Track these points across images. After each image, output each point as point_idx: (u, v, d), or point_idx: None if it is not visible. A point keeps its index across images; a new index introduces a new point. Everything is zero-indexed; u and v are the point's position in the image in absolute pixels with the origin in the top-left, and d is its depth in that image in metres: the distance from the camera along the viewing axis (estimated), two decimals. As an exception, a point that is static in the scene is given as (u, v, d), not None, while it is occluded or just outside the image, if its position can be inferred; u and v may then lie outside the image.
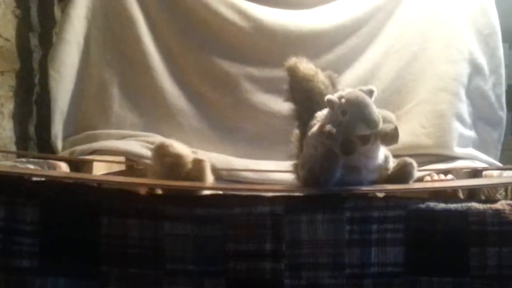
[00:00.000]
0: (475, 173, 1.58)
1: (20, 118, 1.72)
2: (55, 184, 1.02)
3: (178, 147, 1.15)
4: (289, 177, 1.24)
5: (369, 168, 1.05)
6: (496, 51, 1.82)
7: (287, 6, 1.86)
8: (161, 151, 1.14)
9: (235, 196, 1.00)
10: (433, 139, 1.74)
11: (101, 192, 1.01)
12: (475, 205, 0.96)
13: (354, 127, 1.00)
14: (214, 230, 0.95)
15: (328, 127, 1.01)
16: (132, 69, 1.80)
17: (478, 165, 1.68)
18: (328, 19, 1.84)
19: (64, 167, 1.43)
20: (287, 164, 1.23)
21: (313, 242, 0.94)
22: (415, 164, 1.09)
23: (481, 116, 1.82)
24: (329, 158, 1.01)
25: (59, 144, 1.72)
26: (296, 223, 0.95)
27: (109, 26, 1.80)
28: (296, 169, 1.17)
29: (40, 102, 1.81)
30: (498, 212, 0.95)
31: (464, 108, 1.77)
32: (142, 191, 1.08)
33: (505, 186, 1.35)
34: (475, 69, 1.79)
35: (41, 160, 1.35)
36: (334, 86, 1.17)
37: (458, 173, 1.59)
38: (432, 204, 0.96)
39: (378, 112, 1.01)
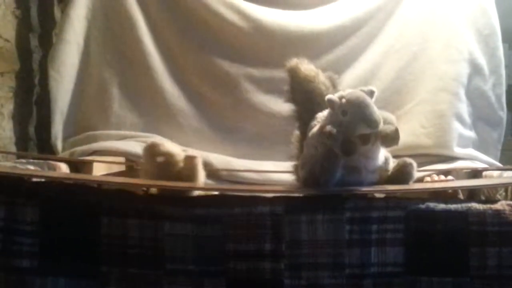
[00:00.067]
0: (475, 173, 1.57)
1: (20, 119, 1.72)
2: (55, 185, 1.02)
3: (169, 146, 1.15)
4: (289, 177, 1.24)
5: (369, 169, 1.05)
6: (496, 51, 1.82)
7: (287, 6, 1.87)
8: (152, 151, 1.14)
9: (235, 196, 1.00)
10: (433, 139, 1.74)
11: (101, 193, 1.01)
12: (475, 205, 0.96)
13: (354, 127, 1.00)
14: (214, 230, 0.95)
15: (329, 127, 1.01)
16: (132, 70, 1.80)
17: (478, 165, 1.68)
18: (328, 19, 1.84)
19: (64, 168, 1.43)
20: (287, 165, 1.23)
21: (313, 242, 0.94)
22: (414, 164, 1.09)
23: (481, 116, 1.82)
24: (329, 158, 1.01)
25: (59, 144, 1.72)
26: (296, 223, 0.95)
27: (109, 26, 1.80)
28: (296, 170, 1.17)
29: (40, 103, 1.81)
30: (498, 213, 0.95)
31: (464, 108, 1.77)
32: (138, 190, 1.08)
33: (505, 186, 1.34)
34: (475, 69, 1.79)
35: (41, 161, 1.35)
36: (334, 87, 1.17)
37: (458, 174, 1.59)
38: (432, 204, 0.96)
39: (378, 113, 1.01)
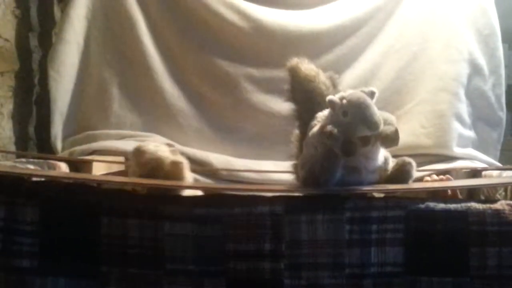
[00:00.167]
0: (475, 173, 1.58)
1: (19, 119, 1.72)
2: (55, 184, 1.02)
3: (155, 150, 1.15)
4: (289, 177, 1.24)
5: (369, 169, 1.05)
6: (496, 51, 1.82)
7: (286, 6, 1.87)
8: (138, 156, 1.15)
9: (235, 196, 1.00)
10: (432, 139, 1.74)
11: (101, 192, 1.01)
12: (474, 205, 0.96)
13: (355, 128, 1.00)
14: (214, 230, 0.95)
15: (329, 127, 1.01)
16: (132, 69, 1.80)
17: (478, 165, 1.68)
18: (327, 19, 1.84)
19: (63, 167, 1.43)
20: (287, 164, 1.23)
21: (313, 242, 0.94)
22: (414, 163, 1.09)
23: (480, 116, 1.82)
24: (329, 158, 1.01)
25: (58, 144, 1.72)
26: (296, 223, 0.95)
27: (109, 26, 1.80)
28: (296, 169, 1.17)
29: (39, 103, 1.81)
30: (497, 212, 0.95)
31: (464, 108, 1.77)
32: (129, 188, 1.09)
33: (505, 186, 1.35)
34: (475, 70, 1.79)
35: (41, 160, 1.35)
36: (335, 87, 1.17)
37: (457, 173, 1.59)
38: (431, 204, 0.96)
39: (379, 114, 1.01)
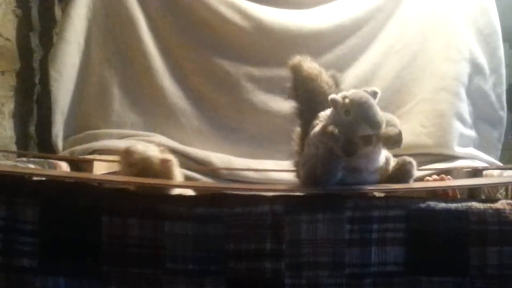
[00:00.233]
0: (476, 172, 1.58)
1: (20, 118, 1.72)
2: (55, 184, 1.02)
3: (144, 149, 1.15)
4: (290, 176, 1.24)
5: (370, 170, 1.05)
6: (497, 50, 1.82)
7: (287, 5, 1.86)
8: (127, 156, 1.15)
9: (236, 196, 1.00)
10: (433, 138, 1.74)
11: (102, 192, 1.01)
12: (475, 204, 0.96)
13: (357, 127, 1.00)
14: (214, 230, 0.95)
15: (331, 127, 1.01)
16: (133, 69, 1.80)
17: (479, 164, 1.68)
18: (328, 19, 1.84)
19: (64, 167, 1.43)
20: (288, 164, 1.23)
21: (313, 242, 0.94)
22: (414, 162, 1.09)
23: (481, 116, 1.82)
24: (330, 159, 1.01)
25: (59, 143, 1.72)
26: (296, 223, 0.95)
27: (110, 26, 1.80)
28: (296, 167, 1.17)
29: (40, 102, 1.81)
30: (498, 212, 0.95)
31: (465, 108, 1.77)
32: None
33: (506, 185, 1.35)
34: (476, 69, 1.79)
35: (41, 160, 1.35)
36: (337, 86, 1.17)
37: (458, 173, 1.59)
38: (432, 203, 0.96)
39: (381, 114, 1.01)
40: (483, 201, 0.98)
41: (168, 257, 0.95)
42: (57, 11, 1.90)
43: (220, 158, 1.73)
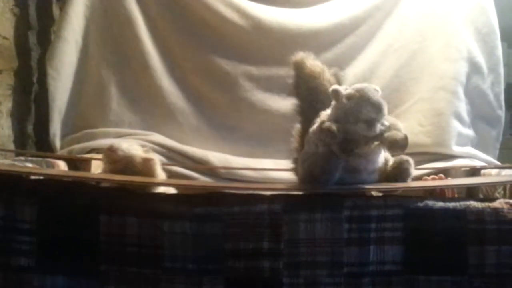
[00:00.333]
0: (474, 171, 1.58)
1: (18, 117, 1.72)
2: (53, 183, 1.02)
3: (127, 148, 1.16)
4: (288, 175, 1.24)
5: (369, 170, 1.05)
6: (495, 49, 1.82)
7: (286, 4, 1.86)
8: (110, 155, 1.16)
9: (234, 195, 1.00)
10: (431, 137, 1.74)
11: (100, 191, 1.01)
12: (473, 203, 0.96)
13: (360, 109, 1.00)
14: (213, 229, 0.95)
15: (328, 123, 1.01)
16: (131, 68, 1.80)
17: (477, 163, 1.68)
18: (326, 17, 1.84)
19: (62, 166, 1.43)
20: (286, 163, 1.23)
21: (312, 241, 0.94)
22: (411, 161, 1.09)
23: (479, 115, 1.82)
24: (329, 159, 1.01)
25: (57, 142, 1.72)
26: (294, 222, 0.95)
27: (108, 24, 1.79)
28: (295, 164, 1.17)
29: (38, 101, 1.81)
30: (496, 211, 0.95)
31: (463, 107, 1.77)
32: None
33: (504, 184, 1.35)
34: (474, 68, 1.79)
35: (39, 159, 1.35)
36: (339, 84, 1.17)
37: (456, 172, 1.59)
38: (430, 202, 0.96)
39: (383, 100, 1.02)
40: (481, 200, 0.98)
41: (166, 257, 0.95)
42: (55, 10, 1.90)
43: (218, 157, 1.73)
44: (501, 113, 1.83)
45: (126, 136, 1.73)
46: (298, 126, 1.20)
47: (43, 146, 1.77)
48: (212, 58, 1.82)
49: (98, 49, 1.79)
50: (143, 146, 1.26)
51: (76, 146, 1.67)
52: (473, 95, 1.80)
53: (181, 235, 0.94)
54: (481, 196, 1.43)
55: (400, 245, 0.95)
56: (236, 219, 0.95)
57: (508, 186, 1.33)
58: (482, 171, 1.52)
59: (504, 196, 1.34)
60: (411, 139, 1.70)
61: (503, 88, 1.84)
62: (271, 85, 1.79)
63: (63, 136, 1.74)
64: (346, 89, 1.04)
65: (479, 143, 1.81)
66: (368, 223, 0.95)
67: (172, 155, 1.72)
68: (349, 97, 1.02)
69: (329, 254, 0.94)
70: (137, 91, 1.80)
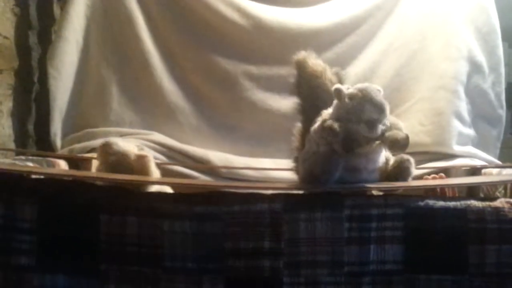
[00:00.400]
0: (474, 171, 1.58)
1: (19, 116, 1.72)
2: (54, 182, 1.02)
3: (122, 145, 1.17)
4: (288, 175, 1.24)
5: (370, 169, 1.05)
6: (496, 49, 1.82)
7: (286, 4, 1.86)
8: (105, 149, 1.16)
9: (234, 194, 0.99)
10: (432, 137, 1.74)
11: (100, 190, 1.01)
12: (474, 203, 0.96)
13: (362, 109, 1.00)
14: (213, 228, 0.95)
15: (329, 121, 1.01)
16: (131, 67, 1.80)
17: (477, 163, 1.68)
18: (327, 17, 1.84)
19: (63, 165, 1.43)
20: (286, 162, 1.23)
21: (312, 240, 0.94)
22: (412, 160, 1.09)
23: (480, 114, 1.82)
24: (330, 158, 1.01)
25: (58, 142, 1.72)
26: (295, 221, 0.95)
27: (108, 24, 1.79)
28: (296, 162, 1.17)
29: (39, 100, 1.81)
30: (497, 210, 0.95)
31: (463, 106, 1.77)
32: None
33: (504, 184, 1.35)
34: (474, 67, 1.79)
35: (40, 158, 1.35)
36: (341, 83, 1.17)
37: (457, 171, 1.59)
38: (431, 201, 0.96)
39: (385, 100, 1.02)
40: (482, 200, 0.98)
41: (166, 256, 0.95)
42: (56, 9, 1.90)
43: (218, 157, 1.73)
44: (502, 112, 1.83)
45: (126, 136, 1.73)
46: (299, 125, 1.20)
47: (44, 146, 1.77)
48: (213, 57, 1.82)
49: (98, 49, 1.79)
50: (138, 146, 1.27)
51: (77, 146, 1.67)
52: (474, 94, 1.80)
53: (181, 235, 0.94)
54: (481, 195, 1.43)
55: (400, 244, 0.95)
56: (236, 218, 0.95)
57: (509, 185, 1.33)
58: (483, 171, 1.52)
59: (504, 195, 1.34)
60: (411, 138, 1.69)
61: (504, 87, 1.84)
62: (272, 85, 1.79)
63: (63, 136, 1.74)
64: (348, 88, 1.04)
65: (480, 143, 1.81)
66: (368, 222, 0.95)
67: (172, 155, 1.72)
68: (352, 97, 1.02)
69: (329, 253, 0.94)
70: (137, 90, 1.80)
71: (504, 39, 1.85)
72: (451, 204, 0.96)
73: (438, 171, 1.53)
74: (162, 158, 1.69)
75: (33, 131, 1.80)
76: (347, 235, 0.95)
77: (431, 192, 1.24)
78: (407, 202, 0.96)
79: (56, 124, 1.72)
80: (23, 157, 1.35)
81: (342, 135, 0.99)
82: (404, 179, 1.07)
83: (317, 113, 1.11)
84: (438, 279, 0.95)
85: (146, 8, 1.81)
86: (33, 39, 1.80)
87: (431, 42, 1.82)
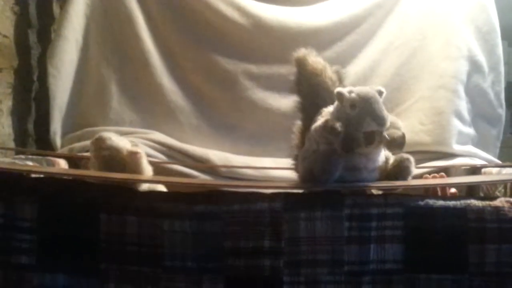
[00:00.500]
0: (474, 170, 1.58)
1: (19, 115, 1.72)
2: (54, 181, 1.02)
3: (116, 140, 1.17)
4: (288, 173, 1.24)
5: (369, 169, 1.05)
6: (495, 48, 1.82)
7: (286, 3, 1.86)
8: (98, 145, 1.16)
9: (234, 193, 0.99)
10: (432, 136, 1.74)
11: (100, 189, 1.01)
12: (474, 202, 0.96)
13: (361, 121, 0.99)
14: (212, 227, 0.95)
15: (332, 121, 1.00)
16: (131, 66, 1.80)
17: (477, 162, 1.68)
18: (327, 16, 1.84)
19: (63, 164, 1.43)
20: (286, 161, 1.23)
21: (312, 239, 0.94)
22: (412, 159, 1.08)
23: (480, 114, 1.82)
24: (330, 158, 1.01)
25: (58, 141, 1.72)
26: (295, 220, 0.95)
27: (108, 23, 1.79)
28: (295, 161, 1.17)
29: (38, 99, 1.81)
30: (497, 209, 0.95)
31: (463, 106, 1.77)
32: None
33: (504, 183, 1.35)
34: (474, 67, 1.79)
35: (40, 157, 1.35)
36: (341, 81, 1.17)
37: (457, 170, 1.59)
38: (431, 201, 0.96)
39: (387, 112, 1.01)
40: (482, 199, 0.98)
41: (166, 255, 0.95)
42: (55, 8, 1.89)
43: (218, 156, 1.73)
44: (502, 111, 1.83)
45: (126, 135, 1.73)
46: (299, 123, 1.19)
47: (44, 145, 1.76)
48: (213, 56, 1.82)
49: (98, 48, 1.79)
50: (132, 141, 1.26)
51: (77, 145, 1.67)
52: (474, 93, 1.80)
53: (181, 234, 0.94)
54: (481, 194, 1.43)
55: (400, 244, 0.95)
56: (236, 217, 0.95)
57: (508, 185, 1.33)
58: (483, 170, 1.52)
59: (504, 195, 1.34)
60: (411, 137, 1.72)
61: (504, 86, 1.84)
62: (272, 84, 1.79)
63: (63, 135, 1.74)
64: (350, 91, 1.02)
65: (480, 142, 1.81)
66: (368, 221, 0.95)
67: (172, 154, 1.72)
68: (353, 104, 1.01)
69: (329, 252, 0.95)
70: (137, 89, 1.80)
71: (503, 37, 1.85)
72: (451, 203, 0.96)
73: (438, 170, 1.53)
74: (162, 157, 1.69)
75: (33, 130, 1.80)
76: (347, 234, 0.95)
77: (432, 191, 1.24)
78: (407, 202, 0.96)
79: (56, 123, 1.72)
80: (23, 156, 1.35)
81: (342, 135, 0.99)
82: (404, 178, 1.07)
83: (317, 111, 1.11)
84: (438, 279, 0.95)
85: (146, 7, 1.81)
86: (32, 38, 1.80)
87: (431, 41, 1.82)
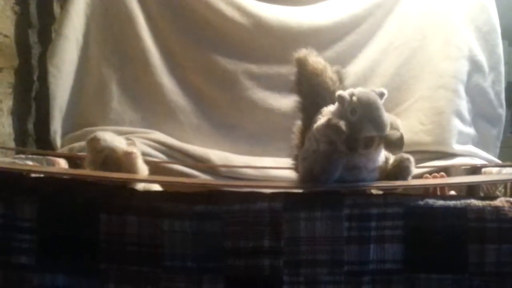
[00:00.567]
0: (474, 170, 1.58)
1: (19, 115, 1.72)
2: (54, 181, 1.02)
3: (110, 140, 1.17)
4: (288, 173, 1.24)
5: (369, 168, 1.05)
6: (496, 48, 1.82)
7: (286, 2, 1.86)
8: (93, 144, 1.17)
9: (234, 193, 0.99)
10: (432, 136, 1.74)
11: (100, 189, 1.01)
12: (474, 202, 0.96)
13: (361, 127, 0.99)
14: (212, 227, 0.95)
15: (336, 120, 1.00)
16: (131, 66, 1.80)
17: (477, 162, 1.68)
18: (327, 16, 1.84)
19: (63, 164, 1.43)
20: (286, 161, 1.23)
21: (312, 239, 0.94)
22: (412, 159, 1.08)
23: (480, 113, 1.82)
24: (330, 158, 1.01)
25: (58, 140, 1.72)
26: (294, 220, 0.95)
27: (108, 22, 1.79)
28: (295, 160, 1.17)
29: (39, 99, 1.81)
30: (497, 209, 0.95)
31: (463, 105, 1.77)
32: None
33: (504, 183, 1.35)
34: (475, 66, 1.79)
35: (40, 157, 1.35)
36: (341, 81, 1.16)
37: (457, 170, 1.59)
38: (431, 201, 0.96)
39: (387, 117, 1.01)
40: (482, 199, 0.98)
41: (166, 255, 0.95)
42: (56, 8, 1.89)
43: (218, 155, 1.73)
44: (502, 111, 1.83)
45: (127, 134, 1.73)
46: (299, 123, 1.19)
47: (44, 144, 1.76)
48: (213, 56, 1.82)
49: (98, 47, 1.79)
50: (128, 140, 1.27)
51: (77, 144, 1.67)
52: (474, 93, 1.80)
53: (181, 234, 0.94)
54: (481, 194, 1.43)
55: (400, 244, 0.95)
56: (236, 217, 0.95)
57: (509, 184, 1.33)
58: (483, 170, 1.52)
59: (504, 195, 1.34)
60: (411, 137, 1.72)
61: (504, 86, 1.84)
62: (272, 84, 1.79)
63: (63, 134, 1.74)
64: (352, 94, 1.02)
65: (480, 142, 1.81)
66: (368, 221, 0.95)
67: (172, 153, 1.72)
68: (354, 109, 1.01)
69: (329, 252, 0.95)
70: (137, 89, 1.80)
71: (504, 37, 1.85)
72: (451, 203, 0.96)
73: (438, 170, 1.53)
74: (162, 157, 1.69)
75: (33, 130, 1.80)
76: (347, 234, 0.95)
77: (432, 191, 1.24)
78: (407, 201, 0.96)
79: (56, 122, 1.72)
80: (23, 156, 1.35)
81: (346, 134, 0.99)
82: (404, 178, 1.07)
83: (317, 111, 1.11)
84: (438, 278, 0.95)
85: (146, 7, 1.81)
86: (33, 37, 1.80)
87: (431, 41, 1.82)
